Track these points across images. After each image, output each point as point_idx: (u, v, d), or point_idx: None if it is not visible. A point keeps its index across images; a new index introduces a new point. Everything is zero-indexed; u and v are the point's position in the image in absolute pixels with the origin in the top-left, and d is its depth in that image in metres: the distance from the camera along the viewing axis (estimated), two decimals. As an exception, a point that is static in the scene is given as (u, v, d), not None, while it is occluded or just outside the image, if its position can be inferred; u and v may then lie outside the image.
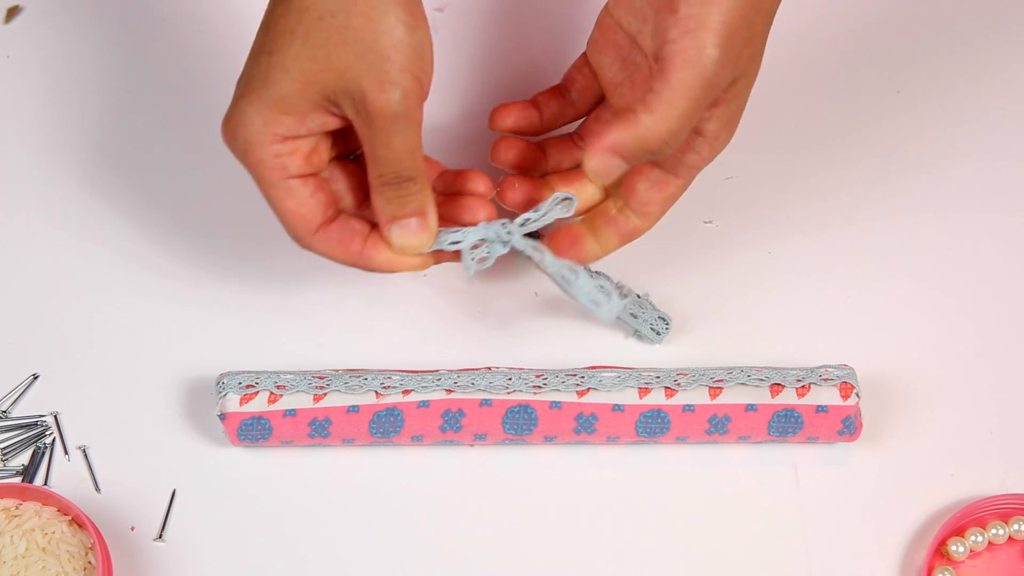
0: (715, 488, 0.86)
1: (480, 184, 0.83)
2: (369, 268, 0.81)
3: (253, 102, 0.76)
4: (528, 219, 0.82)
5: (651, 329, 0.88)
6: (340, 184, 0.81)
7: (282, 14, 0.76)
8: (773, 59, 0.81)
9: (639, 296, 0.89)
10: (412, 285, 0.91)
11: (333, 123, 0.78)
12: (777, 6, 0.78)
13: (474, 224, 0.81)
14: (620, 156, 0.77)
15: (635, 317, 0.88)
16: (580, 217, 0.85)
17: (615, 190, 0.84)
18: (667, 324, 0.89)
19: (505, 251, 0.82)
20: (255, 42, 0.78)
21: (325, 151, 0.80)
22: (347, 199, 0.82)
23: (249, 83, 0.77)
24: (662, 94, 0.75)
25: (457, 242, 0.81)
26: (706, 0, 0.75)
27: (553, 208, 0.82)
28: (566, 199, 0.82)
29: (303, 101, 0.76)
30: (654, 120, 0.76)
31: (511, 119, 0.87)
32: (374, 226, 0.80)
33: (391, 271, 0.81)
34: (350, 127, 0.78)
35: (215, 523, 0.85)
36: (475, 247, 0.81)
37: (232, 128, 0.77)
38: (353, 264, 0.81)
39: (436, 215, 0.80)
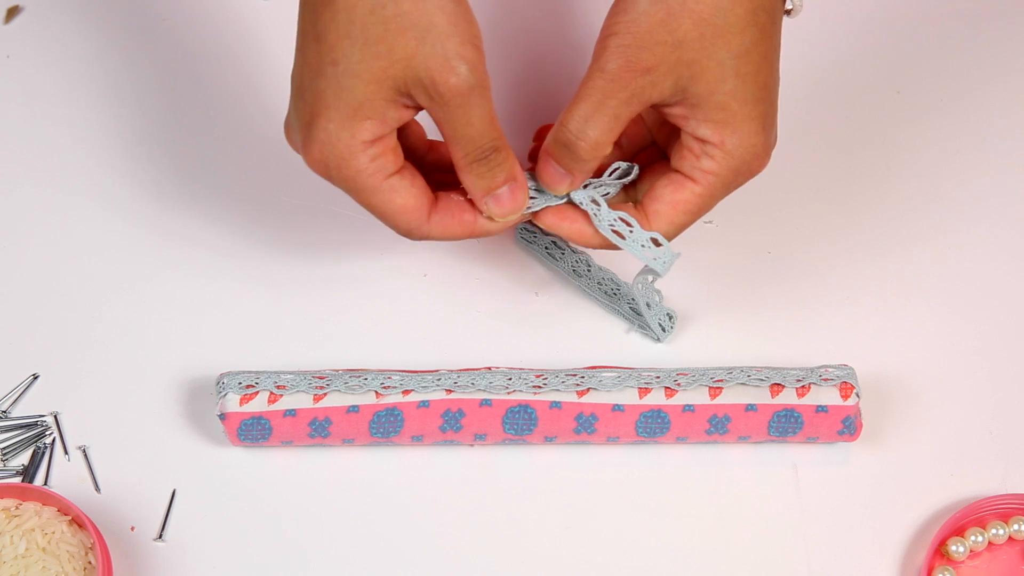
0: (715, 488, 0.86)
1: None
2: (486, 234, 0.81)
3: (332, 118, 0.75)
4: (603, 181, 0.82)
5: (659, 324, 0.88)
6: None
7: (330, 19, 0.75)
8: (773, 59, 0.82)
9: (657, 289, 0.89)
10: (412, 285, 0.91)
11: (408, 115, 0.77)
12: (737, 17, 0.77)
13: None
14: (552, 156, 0.79)
15: (649, 307, 0.88)
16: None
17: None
18: (673, 321, 0.89)
19: (560, 201, 0.82)
20: (307, 57, 0.76)
21: (400, 144, 0.79)
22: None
23: (319, 99, 0.76)
24: (576, 95, 0.78)
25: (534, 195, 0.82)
26: (621, 9, 0.76)
27: (615, 178, 0.82)
28: (629, 165, 0.83)
29: (380, 101, 0.75)
30: (565, 115, 0.78)
31: None
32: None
33: (507, 228, 0.82)
34: None
35: (215, 523, 0.85)
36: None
37: (319, 150, 0.76)
38: (470, 236, 0.81)
39: (523, 174, 0.80)
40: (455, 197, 0.81)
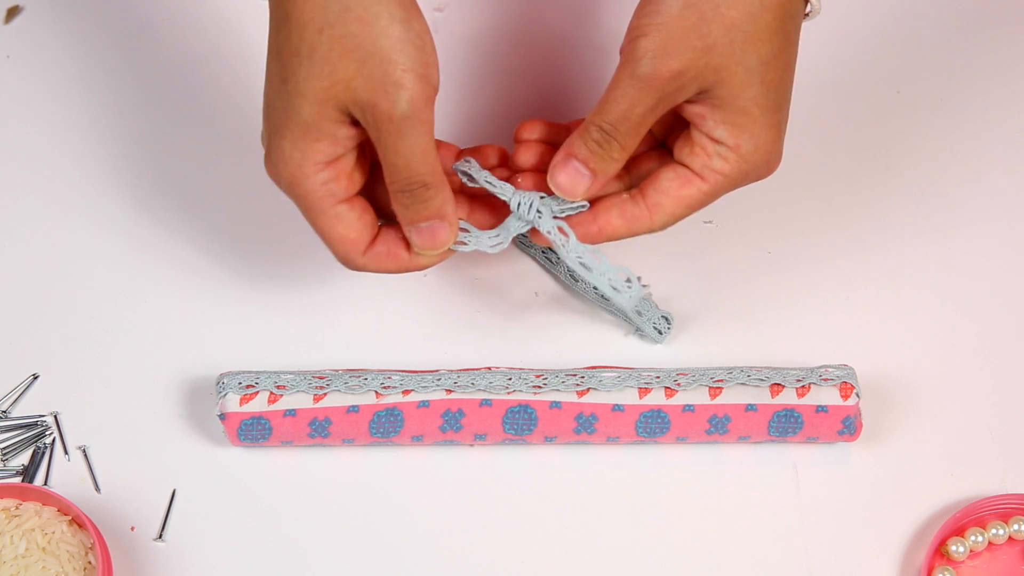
0: (715, 488, 0.86)
1: (492, 156, 0.83)
2: (417, 269, 0.81)
3: (285, 135, 0.76)
4: (558, 200, 0.82)
5: (654, 327, 0.88)
6: (382, 190, 0.81)
7: (286, 36, 0.75)
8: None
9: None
10: (412, 285, 0.91)
11: (360, 135, 0.77)
12: (766, 24, 0.77)
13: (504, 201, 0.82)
14: (576, 159, 0.79)
15: (640, 315, 0.88)
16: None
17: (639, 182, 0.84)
18: (669, 324, 0.89)
19: (524, 229, 0.82)
20: (268, 71, 0.77)
21: (361, 169, 0.79)
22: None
23: (275, 115, 0.76)
24: (603, 97, 0.78)
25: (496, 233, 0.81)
26: (649, 11, 0.76)
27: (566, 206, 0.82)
28: (581, 205, 0.82)
29: (327, 122, 0.75)
30: (593, 117, 0.78)
31: (536, 134, 0.85)
32: None
33: (436, 262, 0.81)
34: None
35: (215, 523, 0.85)
36: (492, 237, 0.81)
37: (274, 165, 0.77)
38: (403, 271, 0.81)
39: (455, 213, 0.79)
40: (394, 232, 0.80)
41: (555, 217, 0.81)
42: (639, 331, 0.89)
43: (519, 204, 0.81)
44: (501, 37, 0.98)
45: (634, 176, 0.84)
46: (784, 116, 0.80)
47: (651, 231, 0.82)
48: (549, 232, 0.81)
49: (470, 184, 0.82)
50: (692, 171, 0.80)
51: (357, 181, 0.79)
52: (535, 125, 0.85)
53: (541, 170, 0.83)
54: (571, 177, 0.80)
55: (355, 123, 0.76)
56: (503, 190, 0.82)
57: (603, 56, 0.97)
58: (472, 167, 0.82)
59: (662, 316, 0.89)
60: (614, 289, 0.81)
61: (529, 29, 0.99)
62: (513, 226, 0.82)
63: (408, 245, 0.80)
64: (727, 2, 0.76)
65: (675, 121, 0.82)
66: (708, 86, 0.77)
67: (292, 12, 0.75)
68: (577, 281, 0.90)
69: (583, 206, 0.81)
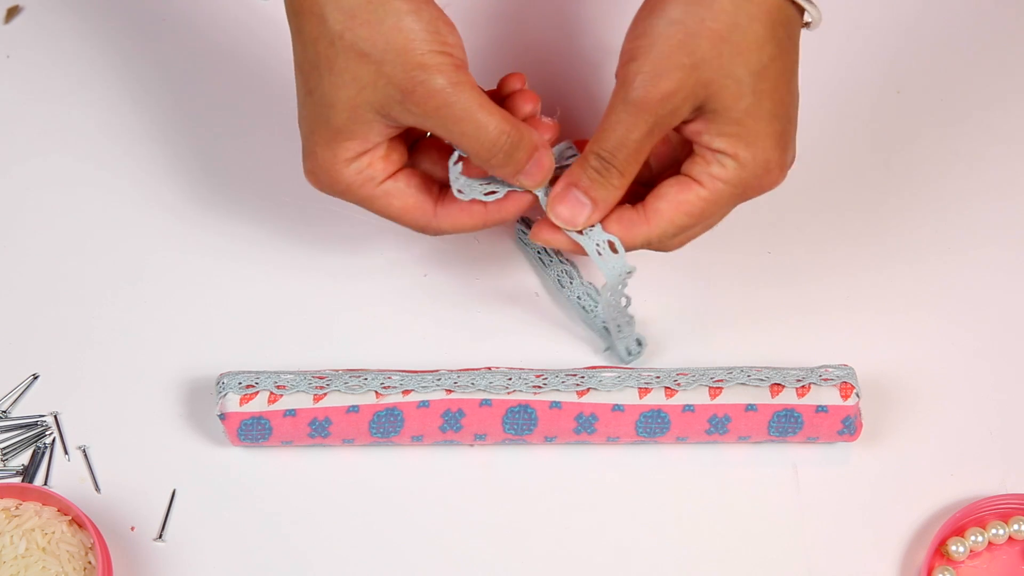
0: (715, 488, 0.86)
1: (527, 105, 0.82)
2: (502, 221, 0.81)
3: (318, 143, 0.78)
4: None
5: (625, 348, 0.88)
6: (427, 163, 0.82)
7: (301, 50, 0.77)
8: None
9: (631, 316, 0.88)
10: (412, 285, 0.91)
11: (394, 131, 0.78)
12: (755, 33, 0.76)
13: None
14: (577, 188, 0.79)
15: (619, 330, 0.88)
16: None
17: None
18: (640, 346, 0.88)
19: (491, 191, 0.80)
20: (297, 83, 0.79)
21: (399, 146, 0.80)
22: (437, 172, 0.82)
23: (308, 125, 0.78)
24: (600, 125, 0.77)
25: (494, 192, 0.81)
26: (637, 34, 0.76)
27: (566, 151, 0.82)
28: (569, 147, 0.82)
29: (359, 125, 0.77)
30: (591, 145, 0.78)
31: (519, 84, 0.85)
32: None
33: (519, 213, 0.81)
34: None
35: (215, 523, 0.85)
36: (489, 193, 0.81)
37: (312, 173, 0.80)
38: (486, 225, 0.81)
39: (540, 136, 0.79)
40: None
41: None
42: (611, 348, 0.89)
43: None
44: (499, 37, 0.98)
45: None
46: (784, 125, 0.79)
47: (650, 239, 0.80)
48: (555, 276, 0.82)
49: (465, 200, 0.81)
50: (692, 178, 0.79)
51: (395, 161, 0.79)
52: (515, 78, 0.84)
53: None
54: (572, 208, 0.79)
55: (389, 125, 0.77)
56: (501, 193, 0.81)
57: (594, 68, 0.97)
58: (461, 183, 0.81)
59: (636, 339, 0.88)
60: (602, 256, 0.80)
61: (519, 43, 0.99)
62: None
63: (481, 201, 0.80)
64: (712, 15, 0.75)
65: (688, 145, 0.81)
66: (701, 102, 0.76)
67: (303, 28, 0.76)
68: (563, 288, 0.90)
69: (574, 155, 0.81)
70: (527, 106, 0.81)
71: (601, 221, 0.81)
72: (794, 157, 0.81)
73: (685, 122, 0.78)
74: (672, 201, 0.79)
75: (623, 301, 0.84)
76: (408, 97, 0.75)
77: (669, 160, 0.84)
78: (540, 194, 0.80)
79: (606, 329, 0.89)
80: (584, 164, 0.78)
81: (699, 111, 0.77)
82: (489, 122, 0.76)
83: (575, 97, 0.97)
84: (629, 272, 0.81)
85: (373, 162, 0.79)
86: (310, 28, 0.76)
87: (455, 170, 0.80)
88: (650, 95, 0.75)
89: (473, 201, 0.80)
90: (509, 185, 0.80)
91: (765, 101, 0.77)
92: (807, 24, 0.80)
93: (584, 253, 0.81)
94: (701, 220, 0.80)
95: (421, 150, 0.82)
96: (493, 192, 0.80)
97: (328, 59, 0.76)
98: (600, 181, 0.78)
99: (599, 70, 0.97)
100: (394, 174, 0.79)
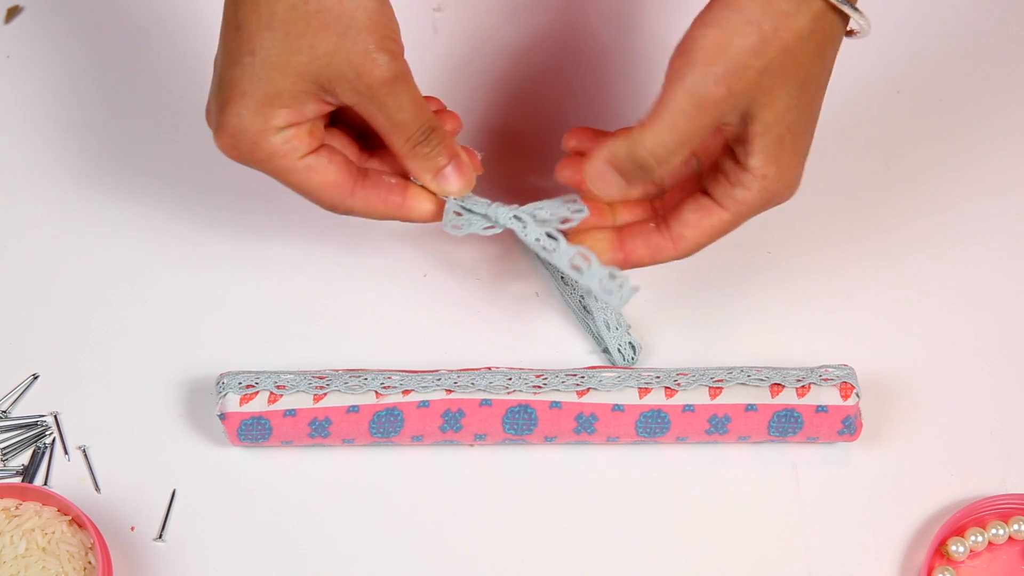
0: (715, 488, 0.86)
1: (449, 124, 0.83)
2: (411, 219, 0.82)
3: (247, 104, 0.77)
4: (540, 207, 0.82)
5: (619, 351, 0.88)
6: (337, 145, 0.82)
7: (251, 10, 0.76)
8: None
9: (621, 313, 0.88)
10: (412, 285, 0.91)
11: (326, 109, 0.78)
12: (809, 48, 0.75)
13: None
14: (613, 166, 0.78)
15: (609, 330, 0.87)
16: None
17: (663, 211, 0.83)
18: (635, 351, 0.88)
19: (488, 231, 0.82)
20: (225, 45, 0.78)
21: (320, 125, 0.80)
22: (350, 154, 0.82)
23: (234, 87, 0.77)
24: (656, 111, 0.76)
25: (482, 215, 0.82)
26: (707, 22, 0.75)
27: (560, 207, 0.82)
28: (574, 201, 0.82)
29: (299, 93, 0.77)
30: (643, 133, 0.76)
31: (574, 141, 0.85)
32: (407, 177, 0.81)
33: (434, 220, 0.82)
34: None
35: (215, 523, 0.85)
36: (458, 214, 0.81)
37: (230, 134, 0.78)
38: (395, 217, 0.82)
39: (461, 151, 0.81)
40: (387, 178, 0.81)
41: (559, 227, 0.81)
42: (606, 351, 0.89)
43: (497, 216, 0.82)
44: (499, 37, 0.98)
45: (661, 203, 0.84)
46: (809, 141, 0.79)
47: (676, 259, 0.82)
48: (538, 240, 0.81)
49: (460, 235, 0.82)
50: (714, 200, 0.79)
51: (318, 138, 0.79)
52: (580, 133, 0.84)
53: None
54: (606, 183, 0.79)
55: (324, 101, 0.77)
56: (480, 207, 0.81)
57: (602, 55, 0.97)
58: (461, 219, 0.81)
59: (629, 343, 0.88)
60: (607, 292, 0.81)
61: (526, 29, 0.99)
62: (473, 222, 0.82)
63: (403, 192, 0.81)
64: (785, 24, 0.74)
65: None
66: (754, 109, 0.76)
67: None
68: (567, 286, 0.90)
69: (581, 211, 0.81)
70: (447, 124, 0.83)
71: (628, 244, 0.81)
72: (765, 95, 0.79)
73: (728, 125, 0.77)
74: (697, 228, 0.80)
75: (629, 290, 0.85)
76: (361, 77, 0.76)
77: (717, 150, 0.82)
78: (449, 203, 0.81)
79: (607, 325, 0.88)
80: (631, 152, 0.77)
81: (746, 117, 0.76)
82: (424, 113, 0.78)
83: (579, 80, 0.97)
84: (635, 291, 0.81)
85: (299, 134, 0.78)
86: None
87: (453, 204, 0.81)
88: (717, 91, 0.74)
89: (390, 190, 0.81)
90: (503, 221, 0.81)
91: (803, 116, 0.77)
92: (852, 33, 0.78)
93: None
94: (723, 235, 0.81)
95: (333, 133, 0.82)
96: (491, 227, 0.81)
97: (285, 21, 0.75)
98: (642, 173, 0.78)
99: (605, 55, 0.96)
100: (316, 149, 0.80)
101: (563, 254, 0.80)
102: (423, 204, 0.81)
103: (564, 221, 0.82)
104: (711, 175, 0.79)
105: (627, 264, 0.82)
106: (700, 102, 0.75)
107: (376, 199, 0.81)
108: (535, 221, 0.81)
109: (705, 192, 0.80)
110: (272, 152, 0.78)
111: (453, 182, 0.81)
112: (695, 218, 0.80)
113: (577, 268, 0.81)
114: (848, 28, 0.79)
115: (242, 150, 0.79)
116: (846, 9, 0.76)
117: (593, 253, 0.80)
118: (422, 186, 0.81)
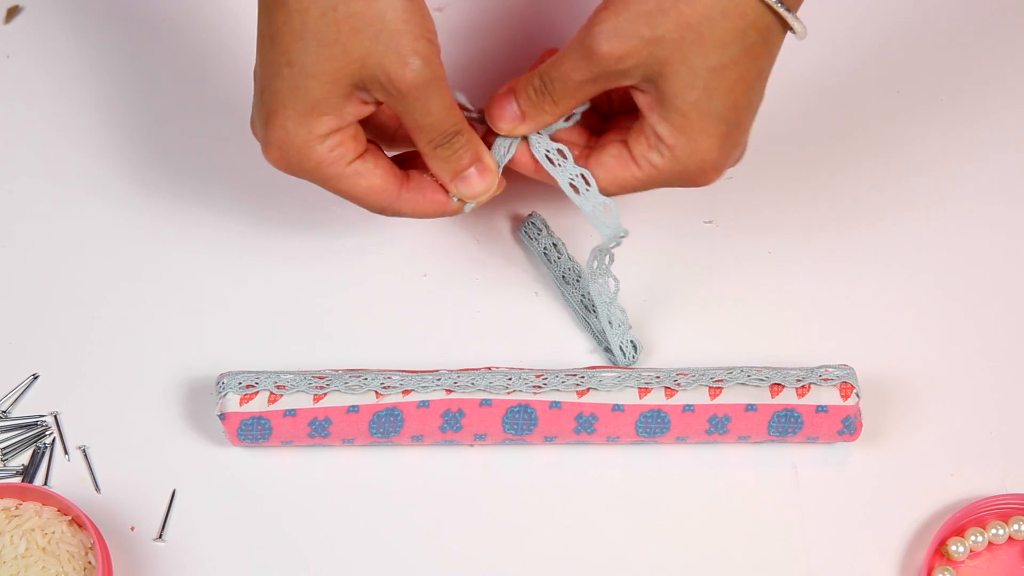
0: (715, 488, 0.86)
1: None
2: (454, 214, 0.83)
3: (289, 116, 0.78)
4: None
5: (619, 348, 0.88)
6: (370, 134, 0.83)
7: (283, 21, 0.76)
8: (773, 59, 0.82)
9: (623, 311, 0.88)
10: (412, 285, 0.91)
11: (366, 110, 0.79)
12: (721, 30, 0.76)
13: None
14: (515, 97, 0.81)
15: (611, 325, 0.87)
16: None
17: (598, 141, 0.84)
18: (636, 352, 0.88)
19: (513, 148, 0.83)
20: (262, 57, 0.78)
21: (362, 130, 0.81)
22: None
23: (276, 98, 0.78)
24: (556, 55, 0.79)
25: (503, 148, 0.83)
26: None
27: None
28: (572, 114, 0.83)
29: (337, 98, 0.77)
30: (545, 65, 0.80)
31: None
32: None
33: (481, 203, 0.83)
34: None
35: (215, 523, 0.85)
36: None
37: (277, 147, 0.79)
38: (441, 214, 0.83)
39: (489, 154, 0.82)
40: (426, 176, 0.82)
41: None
42: (607, 349, 0.89)
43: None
44: (501, 35, 0.98)
45: (605, 131, 0.85)
46: (731, 129, 0.79)
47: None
48: (548, 152, 0.82)
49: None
50: (631, 156, 0.81)
51: (362, 141, 0.80)
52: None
53: None
54: (502, 109, 0.82)
55: (363, 101, 0.78)
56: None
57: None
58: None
59: (631, 341, 0.88)
60: (599, 221, 0.82)
61: (529, 27, 0.99)
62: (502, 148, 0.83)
63: (442, 188, 0.82)
64: (687, 1, 0.76)
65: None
66: (653, 77, 0.78)
67: None
68: (568, 285, 0.90)
69: (574, 117, 0.83)
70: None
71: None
72: (739, 158, 0.81)
73: (638, 89, 0.79)
74: (610, 173, 0.82)
75: (612, 284, 0.86)
76: (392, 81, 0.76)
77: (630, 104, 0.84)
78: (469, 209, 0.83)
79: (603, 331, 0.89)
80: (527, 80, 0.81)
81: (650, 85, 0.78)
82: (451, 117, 0.79)
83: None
84: (625, 232, 0.82)
85: (344, 140, 0.79)
86: None
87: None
88: (601, 48, 0.77)
89: (434, 189, 0.82)
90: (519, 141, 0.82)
91: (716, 100, 0.78)
92: (793, 31, 0.79)
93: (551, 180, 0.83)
94: (632, 192, 0.82)
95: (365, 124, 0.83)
96: (510, 149, 0.82)
97: (317, 29, 0.76)
98: (534, 101, 0.81)
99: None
100: (362, 154, 0.80)
101: (567, 171, 0.82)
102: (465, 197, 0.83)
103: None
104: (636, 133, 0.81)
105: (536, 174, 0.83)
106: (587, 54, 0.77)
107: (422, 199, 0.82)
108: (548, 139, 0.83)
109: (626, 144, 0.81)
110: (320, 160, 0.79)
111: (475, 184, 0.81)
112: (612, 163, 0.81)
113: (575, 189, 0.82)
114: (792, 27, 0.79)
115: (290, 161, 0.79)
116: (775, 5, 0.77)
117: (595, 180, 0.82)
118: None
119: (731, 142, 0.79)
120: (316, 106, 0.77)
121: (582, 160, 0.83)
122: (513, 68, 0.97)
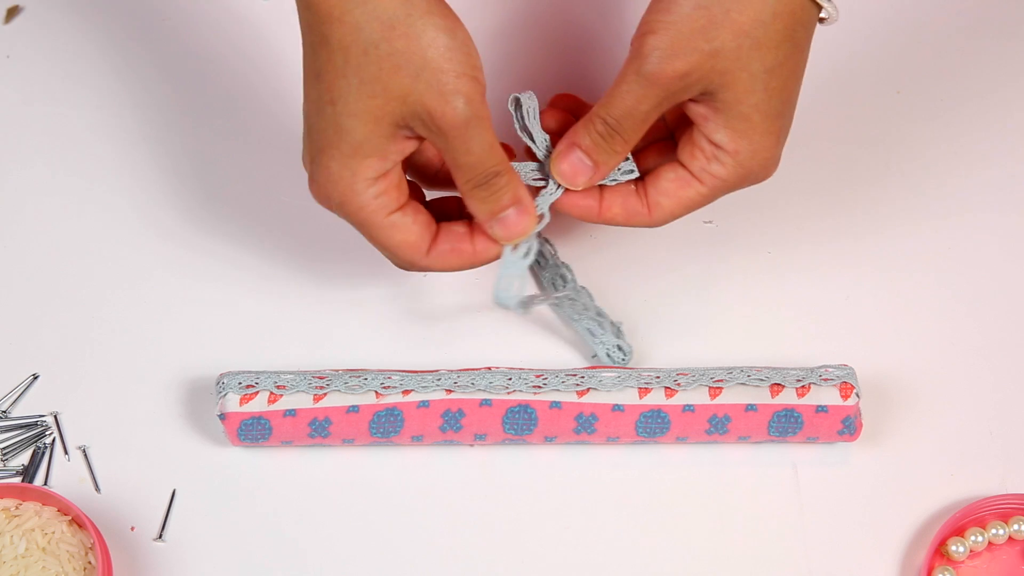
0: (715, 488, 0.86)
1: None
2: (484, 263, 0.82)
3: (335, 156, 0.77)
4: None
5: (607, 354, 0.88)
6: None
7: (327, 59, 0.76)
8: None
9: (604, 317, 0.88)
10: (412, 285, 0.91)
11: (410, 147, 0.78)
12: (773, 31, 0.77)
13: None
14: (580, 148, 0.80)
15: (591, 334, 0.88)
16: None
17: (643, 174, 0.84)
18: (625, 356, 0.88)
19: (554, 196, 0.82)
20: (309, 91, 0.78)
21: (405, 178, 0.80)
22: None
23: (322, 137, 0.78)
24: (611, 89, 0.79)
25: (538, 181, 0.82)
26: (661, 8, 0.77)
27: (618, 174, 0.82)
28: (630, 170, 0.82)
29: (379, 138, 0.77)
30: (601, 108, 0.79)
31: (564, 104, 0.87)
32: (470, 218, 0.82)
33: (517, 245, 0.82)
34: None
35: (215, 523, 0.85)
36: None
37: (323, 187, 0.79)
38: (469, 267, 0.82)
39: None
40: (456, 228, 0.81)
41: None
42: (596, 356, 0.89)
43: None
44: (517, 33, 0.98)
45: (640, 166, 0.84)
46: (785, 123, 0.80)
47: (649, 226, 0.83)
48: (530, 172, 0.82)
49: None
50: (691, 173, 0.81)
51: (405, 191, 0.80)
52: (566, 99, 0.87)
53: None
54: (573, 166, 0.81)
55: (407, 138, 0.78)
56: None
57: (622, 49, 0.97)
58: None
59: (618, 346, 0.88)
60: (591, 335, 0.85)
61: (546, 23, 0.99)
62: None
63: (471, 239, 0.81)
64: (738, 7, 0.76)
65: (683, 116, 0.83)
66: (713, 88, 0.78)
67: (331, 35, 0.76)
68: (556, 290, 0.90)
69: (632, 172, 0.82)
70: None
71: (607, 199, 0.82)
72: (721, 76, 0.81)
73: (692, 101, 0.79)
74: (674, 197, 0.81)
75: (581, 296, 0.87)
76: (433, 119, 0.76)
77: (661, 132, 0.85)
78: (507, 251, 0.81)
79: (590, 332, 0.89)
80: (589, 127, 0.80)
81: (708, 96, 0.78)
82: (492, 157, 0.78)
83: (599, 74, 0.97)
84: (617, 327, 0.85)
85: (388, 189, 0.79)
86: (341, 35, 0.75)
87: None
88: (664, 71, 0.76)
89: (460, 239, 0.81)
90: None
91: (774, 99, 0.78)
92: (823, 20, 0.80)
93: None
94: (698, 208, 0.82)
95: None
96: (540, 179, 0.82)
97: (359, 67, 0.75)
98: (603, 146, 0.80)
99: (625, 48, 0.97)
100: (403, 206, 0.80)
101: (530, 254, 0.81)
102: (492, 248, 0.81)
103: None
104: (689, 149, 0.81)
105: (600, 218, 0.83)
106: (648, 80, 0.77)
107: (449, 254, 0.81)
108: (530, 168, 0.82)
109: (682, 165, 0.81)
110: (362, 206, 0.78)
111: (512, 226, 0.80)
112: (672, 188, 0.81)
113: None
114: (820, 16, 0.80)
115: (332, 200, 0.79)
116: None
117: (660, 209, 0.81)
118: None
119: (785, 132, 0.81)
120: (360, 147, 0.77)
121: (634, 196, 0.82)
122: (530, 64, 0.97)
